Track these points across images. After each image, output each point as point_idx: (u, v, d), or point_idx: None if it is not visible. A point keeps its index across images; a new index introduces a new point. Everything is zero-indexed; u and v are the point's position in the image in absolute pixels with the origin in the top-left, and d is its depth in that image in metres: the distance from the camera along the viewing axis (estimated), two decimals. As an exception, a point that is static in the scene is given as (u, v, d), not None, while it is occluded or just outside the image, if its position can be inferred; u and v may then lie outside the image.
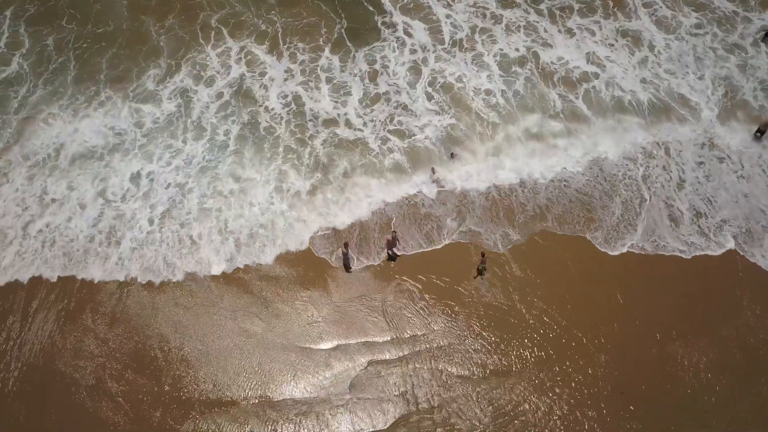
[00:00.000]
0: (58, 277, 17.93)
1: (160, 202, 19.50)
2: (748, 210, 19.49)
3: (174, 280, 17.91)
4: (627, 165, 20.60)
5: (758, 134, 21.18)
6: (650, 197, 19.78)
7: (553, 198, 19.77)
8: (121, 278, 17.90)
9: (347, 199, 19.63)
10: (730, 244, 18.65)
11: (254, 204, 19.49)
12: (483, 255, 17.53)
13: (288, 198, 19.63)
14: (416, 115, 21.92)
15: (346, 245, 17.61)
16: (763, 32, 24.08)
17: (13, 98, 21.94)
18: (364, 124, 21.62)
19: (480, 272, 17.72)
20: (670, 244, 18.69)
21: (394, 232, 18.08)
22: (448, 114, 21.99)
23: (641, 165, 20.56)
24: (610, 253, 18.46)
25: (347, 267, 17.90)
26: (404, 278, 17.94)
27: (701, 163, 20.64)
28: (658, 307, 17.36)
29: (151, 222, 19.09)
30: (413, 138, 21.26)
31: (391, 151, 20.90)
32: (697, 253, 18.47)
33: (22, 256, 18.32)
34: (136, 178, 20.13)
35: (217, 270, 18.12)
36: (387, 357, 16.53)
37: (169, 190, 19.74)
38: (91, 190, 19.80)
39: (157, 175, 20.14)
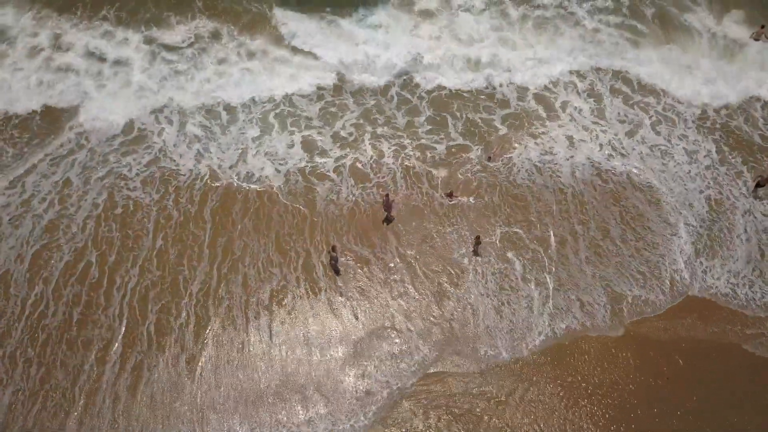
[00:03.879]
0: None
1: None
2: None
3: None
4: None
5: (757, 188, 19.75)
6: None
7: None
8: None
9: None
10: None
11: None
12: (478, 238, 17.59)
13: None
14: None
15: (334, 248, 16.94)
16: None
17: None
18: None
19: (476, 252, 17.81)
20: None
21: (387, 194, 17.81)
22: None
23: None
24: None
25: (336, 270, 17.24)
26: (403, 285, 17.23)
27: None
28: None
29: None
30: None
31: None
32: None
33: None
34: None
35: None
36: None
37: None
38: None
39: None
